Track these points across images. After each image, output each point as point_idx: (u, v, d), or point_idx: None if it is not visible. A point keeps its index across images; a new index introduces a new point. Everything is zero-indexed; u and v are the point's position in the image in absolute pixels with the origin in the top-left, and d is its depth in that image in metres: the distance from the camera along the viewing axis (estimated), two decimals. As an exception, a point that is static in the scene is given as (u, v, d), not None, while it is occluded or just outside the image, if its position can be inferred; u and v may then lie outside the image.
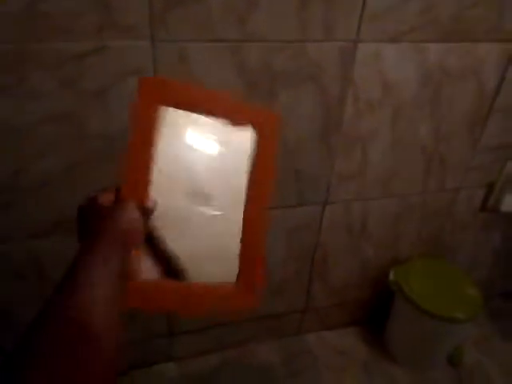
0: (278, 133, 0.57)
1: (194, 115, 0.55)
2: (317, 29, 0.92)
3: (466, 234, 1.47)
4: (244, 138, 0.56)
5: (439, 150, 1.22)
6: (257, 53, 0.91)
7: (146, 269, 0.51)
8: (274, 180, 0.57)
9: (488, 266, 1.59)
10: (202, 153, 0.58)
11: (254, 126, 0.56)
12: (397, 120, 1.12)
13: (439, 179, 1.28)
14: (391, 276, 1.38)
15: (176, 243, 0.56)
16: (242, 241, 0.58)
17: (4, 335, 1.11)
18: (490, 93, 1.15)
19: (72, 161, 0.92)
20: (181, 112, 0.54)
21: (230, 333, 1.40)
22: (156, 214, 0.51)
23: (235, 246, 0.58)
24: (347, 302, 1.50)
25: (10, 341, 1.11)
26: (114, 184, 0.50)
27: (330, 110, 1.04)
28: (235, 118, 0.55)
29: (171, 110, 0.53)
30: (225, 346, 1.42)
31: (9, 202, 0.93)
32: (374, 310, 1.55)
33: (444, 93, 1.11)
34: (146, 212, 0.49)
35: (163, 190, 0.53)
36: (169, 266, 0.56)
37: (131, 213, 0.46)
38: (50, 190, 0.94)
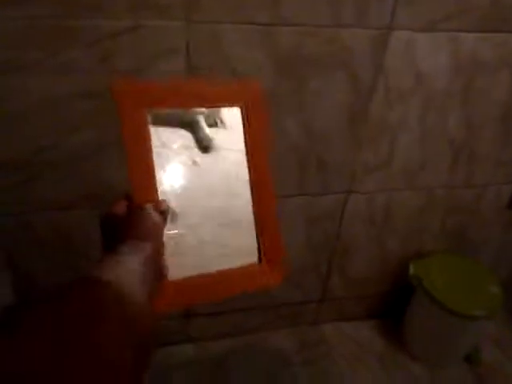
0: (263, 101, 0.57)
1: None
2: (350, 14, 0.91)
3: (491, 232, 1.44)
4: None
5: (468, 143, 1.20)
6: (288, 37, 0.91)
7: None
8: (271, 152, 0.58)
9: (511, 265, 1.56)
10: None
11: (240, 102, 0.56)
12: (427, 111, 1.10)
13: (467, 173, 1.26)
14: (411, 270, 1.36)
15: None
16: (256, 218, 0.58)
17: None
18: (524, 86, 1.12)
19: (103, 138, 0.94)
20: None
21: (247, 318, 1.41)
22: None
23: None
24: (366, 294, 1.49)
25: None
26: (123, 192, 0.51)
27: (360, 99, 1.04)
28: (219, 100, 0.56)
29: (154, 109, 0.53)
30: (241, 330, 1.43)
31: (39, 175, 0.95)
32: (393, 304, 1.54)
33: (476, 84, 1.09)
34: (162, 213, 0.50)
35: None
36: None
37: (153, 215, 0.47)
38: (80, 164, 0.96)
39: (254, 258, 0.60)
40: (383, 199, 1.25)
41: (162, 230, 0.48)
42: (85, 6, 0.79)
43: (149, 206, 0.49)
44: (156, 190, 0.52)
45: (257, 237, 0.59)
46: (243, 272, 0.59)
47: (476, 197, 1.33)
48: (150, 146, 0.52)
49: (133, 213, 0.48)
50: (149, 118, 0.53)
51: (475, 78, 1.07)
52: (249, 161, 0.58)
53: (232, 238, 0.61)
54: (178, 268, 0.53)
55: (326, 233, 1.28)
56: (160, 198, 0.52)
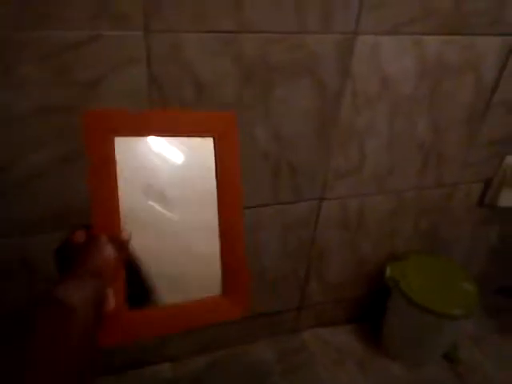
0: (237, 133, 0.56)
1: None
2: (315, 20, 0.89)
3: (463, 230, 1.46)
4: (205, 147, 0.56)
5: (437, 145, 1.20)
6: (253, 44, 0.89)
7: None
8: (241, 182, 0.57)
9: (484, 261, 1.58)
10: (164, 161, 0.57)
11: (212, 132, 0.55)
12: (394, 115, 1.10)
13: (436, 175, 1.27)
14: (387, 272, 1.37)
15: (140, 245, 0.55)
16: (222, 250, 0.57)
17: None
18: (488, 87, 1.14)
19: (64, 154, 0.89)
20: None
21: (224, 332, 1.38)
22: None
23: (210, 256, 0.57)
24: (343, 298, 1.49)
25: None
26: (85, 221, 0.50)
27: (327, 105, 1.02)
28: (191, 129, 0.55)
29: (124, 138, 0.52)
30: (219, 345, 1.40)
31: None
32: (371, 307, 1.54)
33: (442, 87, 1.09)
34: (121, 244, 0.49)
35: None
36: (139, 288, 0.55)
37: (103, 248, 0.46)
38: (39, 184, 0.91)
39: (217, 290, 0.58)
40: (355, 204, 1.24)
41: (113, 263, 0.46)
42: (37, 16, 0.74)
43: (104, 238, 0.47)
44: (117, 219, 0.50)
45: (222, 268, 0.57)
46: (203, 304, 0.57)
47: (446, 197, 1.34)
48: (115, 175, 0.51)
49: (88, 244, 0.46)
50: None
51: (441, 82, 1.08)
52: (219, 193, 0.56)
53: (194, 268, 0.58)
54: (135, 299, 0.52)
55: (302, 240, 1.27)
56: (122, 228, 0.50)
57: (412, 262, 1.39)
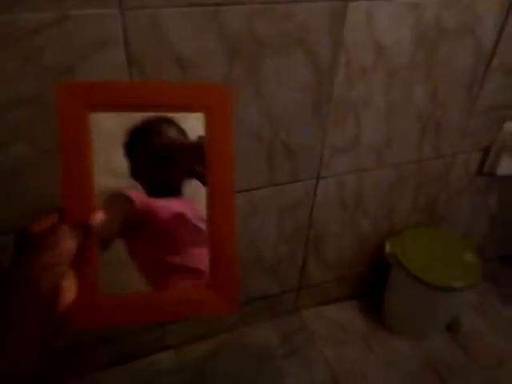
0: (231, 109, 0.50)
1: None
2: (303, -13, 0.83)
3: (462, 200, 1.43)
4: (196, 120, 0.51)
5: (435, 115, 1.15)
6: (238, 16, 0.82)
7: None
8: (234, 163, 0.51)
9: (484, 230, 1.56)
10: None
11: (203, 108, 0.50)
12: (391, 85, 1.05)
13: (435, 145, 1.23)
14: (387, 248, 1.34)
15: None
16: (210, 241, 0.52)
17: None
18: (487, 50, 1.08)
19: (43, 147, 0.83)
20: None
21: (221, 318, 1.35)
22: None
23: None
24: (344, 276, 1.46)
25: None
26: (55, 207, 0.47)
27: (321, 78, 0.97)
28: (179, 104, 0.50)
29: (103, 114, 0.47)
30: (220, 330, 1.38)
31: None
32: (372, 283, 1.52)
33: (440, 53, 1.04)
34: (89, 229, 0.47)
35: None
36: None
37: (62, 240, 0.44)
38: (17, 181, 0.85)
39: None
40: (353, 181, 1.20)
41: (71, 254, 0.44)
42: (0, -1, 0.67)
43: (63, 228, 0.44)
44: (90, 203, 0.47)
45: (210, 260, 0.53)
46: (188, 296, 0.53)
47: (445, 167, 1.30)
48: (91, 154, 0.46)
49: (46, 234, 0.43)
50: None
51: (439, 47, 1.02)
52: (209, 178, 0.51)
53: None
54: (110, 284, 0.49)
55: (299, 221, 1.23)
56: (95, 211, 0.47)
57: (412, 236, 1.36)
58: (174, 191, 0.56)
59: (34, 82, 0.77)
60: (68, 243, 0.44)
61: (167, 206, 0.56)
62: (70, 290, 0.46)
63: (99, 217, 0.47)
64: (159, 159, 0.54)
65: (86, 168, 0.46)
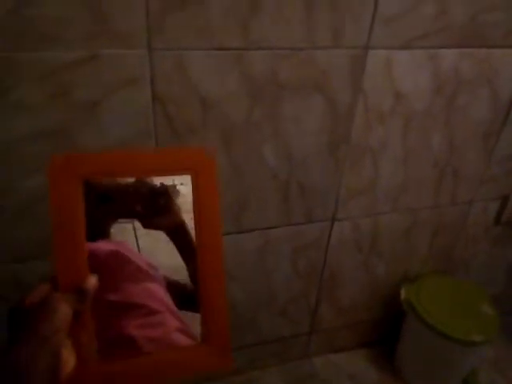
0: (216, 169, 0.52)
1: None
2: (325, 35, 0.86)
3: (479, 249, 1.40)
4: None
5: (452, 162, 1.16)
6: (261, 61, 0.85)
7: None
8: (220, 223, 0.52)
9: (502, 282, 1.52)
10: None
11: (190, 170, 0.51)
12: (408, 131, 1.06)
13: (452, 192, 1.22)
14: (402, 294, 1.31)
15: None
16: (200, 294, 0.51)
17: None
18: (504, 101, 1.10)
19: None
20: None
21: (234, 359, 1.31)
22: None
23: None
24: (356, 322, 1.42)
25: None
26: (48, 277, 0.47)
27: (339, 122, 0.98)
28: (167, 168, 0.52)
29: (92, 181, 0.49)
30: (228, 372, 1.34)
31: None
32: (385, 331, 1.47)
33: (457, 101, 1.05)
34: (84, 294, 0.46)
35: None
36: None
37: (56, 309, 0.43)
38: (34, 209, 0.86)
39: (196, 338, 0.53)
40: (368, 224, 1.19)
41: (68, 322, 0.43)
42: (35, 36, 0.71)
43: (56, 297, 0.43)
44: (83, 268, 0.47)
45: (201, 316, 0.52)
46: (182, 354, 0.52)
47: (462, 214, 1.29)
48: (82, 220, 0.47)
49: (40, 306, 0.42)
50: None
51: (456, 96, 1.04)
52: (197, 233, 0.51)
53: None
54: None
55: (313, 262, 1.22)
56: (87, 276, 0.47)
57: (428, 284, 1.33)
58: (103, 234, 0.56)
59: (59, 116, 0.79)
60: (63, 311, 0.43)
61: (102, 245, 0.56)
62: (69, 359, 0.44)
63: (93, 280, 0.47)
64: (101, 199, 0.53)
65: (77, 234, 0.47)
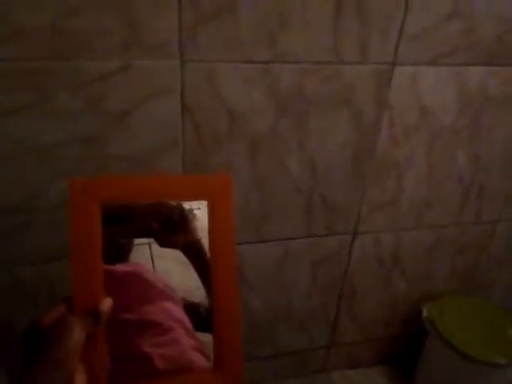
0: (232, 195, 0.53)
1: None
2: (352, 50, 0.87)
3: (503, 270, 1.37)
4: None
5: (477, 180, 1.14)
6: (289, 74, 0.87)
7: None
8: (235, 248, 0.52)
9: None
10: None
11: (206, 196, 0.52)
12: (433, 146, 1.06)
13: (476, 210, 1.20)
14: (424, 313, 1.29)
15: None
16: (213, 320, 0.52)
17: (8, 358, 1.06)
18: (532, 119, 1.08)
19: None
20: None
21: (250, 369, 1.32)
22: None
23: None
24: (376, 338, 1.41)
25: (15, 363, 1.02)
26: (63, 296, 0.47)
27: (364, 136, 0.99)
28: (184, 194, 0.53)
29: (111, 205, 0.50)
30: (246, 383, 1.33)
31: (23, 225, 0.89)
32: (404, 349, 1.45)
33: (484, 119, 1.05)
34: (98, 316, 0.46)
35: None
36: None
37: (70, 332, 0.42)
38: (65, 212, 0.89)
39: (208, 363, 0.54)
40: (391, 239, 1.18)
41: (81, 346, 0.42)
42: (73, 46, 0.75)
43: (71, 320, 0.43)
44: (99, 290, 0.48)
45: (214, 341, 0.52)
46: (195, 378, 0.52)
47: (486, 234, 1.27)
48: (99, 243, 0.48)
49: (54, 328, 0.42)
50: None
51: (482, 114, 1.03)
52: (212, 258, 0.52)
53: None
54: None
55: (333, 275, 1.21)
56: (103, 298, 0.47)
57: (450, 303, 1.31)
58: (125, 256, 0.57)
59: (92, 124, 0.82)
60: (77, 334, 0.42)
61: (119, 270, 0.57)
62: (81, 382, 0.44)
63: (108, 303, 0.47)
64: (117, 220, 0.54)
65: (94, 256, 0.48)
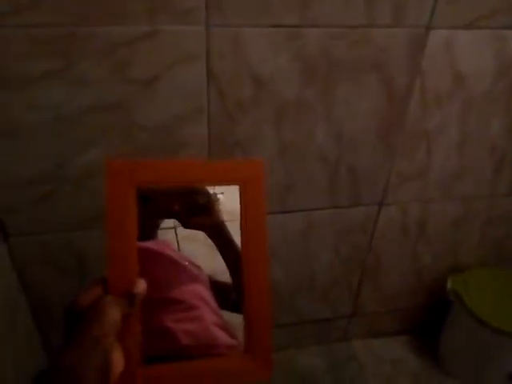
0: (264, 181, 0.52)
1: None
2: (385, 13, 0.83)
3: (534, 243, 1.34)
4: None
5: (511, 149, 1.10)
6: (317, 39, 0.84)
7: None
8: (267, 233, 0.52)
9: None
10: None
11: (238, 181, 0.52)
12: (466, 115, 1.01)
13: (509, 181, 1.16)
14: (449, 284, 1.28)
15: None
16: (245, 305, 0.52)
17: (45, 325, 1.10)
18: None
19: (118, 152, 0.88)
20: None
21: (274, 336, 1.34)
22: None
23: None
24: (399, 308, 1.41)
25: (52, 328, 1.08)
26: (99, 277, 0.48)
27: (394, 104, 0.95)
28: (216, 179, 0.53)
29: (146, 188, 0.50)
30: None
31: (52, 192, 0.90)
32: (428, 320, 1.45)
33: (522, 86, 0.99)
34: (133, 298, 0.47)
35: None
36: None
37: (106, 311, 0.44)
38: (93, 182, 0.90)
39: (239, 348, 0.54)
40: (418, 210, 1.16)
41: (117, 325, 0.44)
42: (99, 12, 0.73)
43: (107, 300, 0.44)
44: (134, 272, 0.48)
45: (244, 324, 0.52)
46: (225, 363, 0.52)
47: (518, 206, 1.23)
48: (135, 225, 0.49)
49: (91, 307, 0.44)
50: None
51: (521, 80, 0.98)
52: (243, 244, 0.52)
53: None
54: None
55: (357, 246, 1.21)
56: (137, 280, 0.47)
57: (477, 275, 1.29)
58: (152, 234, 0.58)
59: (118, 91, 0.82)
60: (113, 314, 0.43)
61: (147, 247, 0.57)
62: (118, 361, 0.45)
63: (142, 284, 0.48)
64: (141, 199, 0.54)
65: (130, 238, 0.48)
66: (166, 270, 0.59)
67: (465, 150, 1.07)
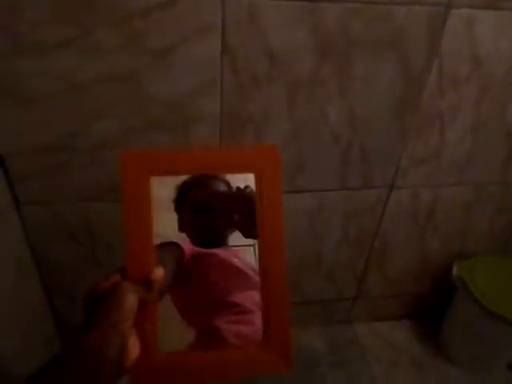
0: (279, 168, 0.52)
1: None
2: (406, -11, 0.81)
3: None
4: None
5: (527, 136, 1.08)
6: (335, 15, 0.82)
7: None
8: (283, 221, 0.52)
9: None
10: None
11: (254, 169, 0.52)
12: (483, 98, 1.00)
13: (522, 169, 1.15)
14: (455, 270, 1.28)
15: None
16: (262, 296, 0.52)
17: (56, 294, 1.11)
18: None
19: (130, 124, 0.88)
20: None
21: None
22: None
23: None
24: (403, 293, 1.41)
25: (62, 300, 1.09)
26: (118, 265, 0.49)
27: (410, 84, 0.94)
28: (232, 167, 0.53)
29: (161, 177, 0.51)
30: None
31: (65, 162, 0.90)
32: (431, 305, 1.45)
33: (542, 70, 0.97)
34: (150, 285, 0.48)
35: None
36: None
37: (124, 298, 0.45)
38: (106, 153, 0.90)
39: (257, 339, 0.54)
40: (428, 195, 1.15)
41: (134, 311, 0.45)
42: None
43: (125, 286, 0.45)
44: (151, 259, 0.49)
45: (262, 315, 0.52)
46: (245, 354, 0.52)
47: (530, 194, 1.22)
48: (151, 215, 0.49)
49: (110, 293, 0.45)
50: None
51: (542, 63, 0.96)
52: (261, 233, 0.52)
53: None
54: (168, 342, 0.50)
55: (365, 228, 1.20)
56: (154, 267, 0.49)
57: (483, 263, 1.29)
58: (219, 242, 0.60)
59: (132, 62, 0.81)
60: (130, 300, 0.45)
61: (213, 254, 0.60)
62: (134, 347, 0.46)
63: (159, 272, 0.49)
64: (202, 209, 0.57)
65: (146, 226, 0.49)
66: (229, 276, 0.62)
67: (479, 134, 1.05)
